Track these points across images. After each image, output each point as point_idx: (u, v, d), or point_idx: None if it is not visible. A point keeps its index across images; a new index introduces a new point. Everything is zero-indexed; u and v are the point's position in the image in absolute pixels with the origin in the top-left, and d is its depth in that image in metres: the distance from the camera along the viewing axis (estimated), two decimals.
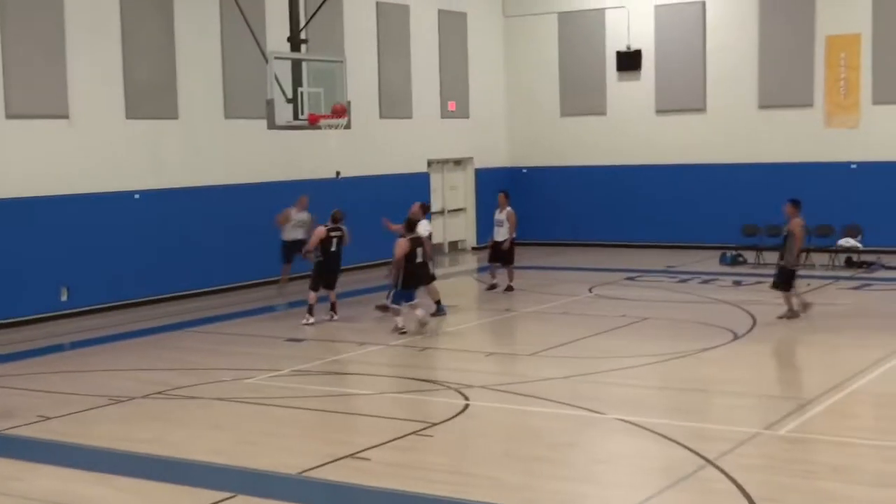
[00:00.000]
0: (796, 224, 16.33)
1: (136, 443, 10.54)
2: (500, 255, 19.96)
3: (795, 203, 16.55)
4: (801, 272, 17.02)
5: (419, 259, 16.32)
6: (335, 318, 17.34)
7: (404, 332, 15.94)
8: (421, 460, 9.97)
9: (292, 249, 19.19)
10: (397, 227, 17.27)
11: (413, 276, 16.23)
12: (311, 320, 17.00)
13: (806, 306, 16.64)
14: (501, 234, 19.84)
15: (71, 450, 10.41)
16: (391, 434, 10.66)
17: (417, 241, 16.42)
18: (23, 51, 17.69)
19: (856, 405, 11.76)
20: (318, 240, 17.17)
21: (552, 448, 10.22)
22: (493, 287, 20.07)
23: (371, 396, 12.75)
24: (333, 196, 21.14)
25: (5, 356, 15.32)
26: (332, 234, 17.21)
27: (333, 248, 17.24)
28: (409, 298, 16.22)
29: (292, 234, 19.36)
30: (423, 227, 17.21)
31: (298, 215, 19.43)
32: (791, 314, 16.45)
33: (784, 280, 16.44)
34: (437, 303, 17.18)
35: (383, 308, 17.27)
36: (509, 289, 19.87)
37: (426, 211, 17.86)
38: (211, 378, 13.48)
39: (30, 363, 14.80)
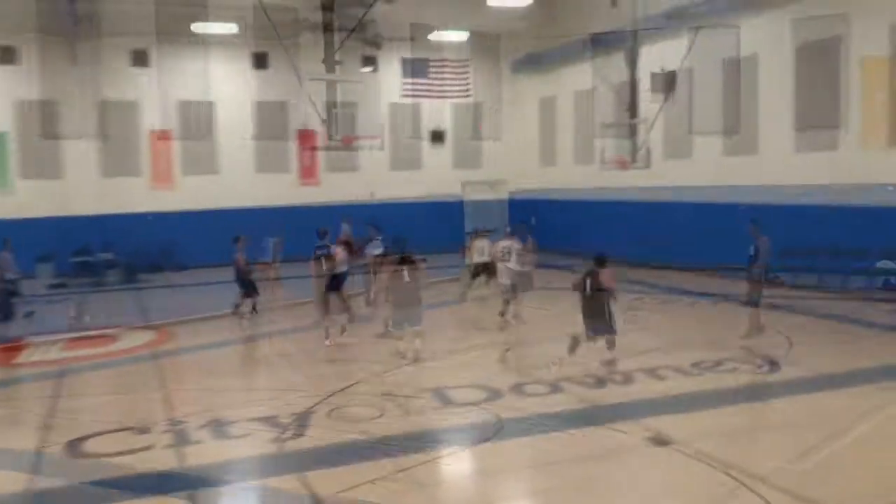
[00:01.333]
0: (763, 241, 16.78)
1: (172, 464, 10.57)
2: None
3: (755, 222, 17.12)
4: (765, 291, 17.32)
5: (407, 279, 15.80)
6: (329, 343, 16.91)
7: (405, 358, 15.73)
8: (455, 481, 9.94)
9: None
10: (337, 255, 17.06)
11: (403, 296, 15.75)
12: (328, 342, 16.84)
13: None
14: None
15: (105, 470, 10.45)
16: (426, 455, 10.63)
17: (408, 261, 15.87)
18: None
19: (893, 431, 11.62)
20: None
21: (587, 470, 10.15)
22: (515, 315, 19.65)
23: (407, 417, 12.71)
24: (368, 218, 21.21)
25: (27, 376, 15.43)
26: (318, 251, 16.82)
27: (323, 267, 16.82)
28: (408, 321, 15.88)
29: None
30: (375, 247, 16.91)
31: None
32: (749, 333, 16.63)
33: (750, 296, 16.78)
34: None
35: (382, 335, 16.77)
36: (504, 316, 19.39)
37: (378, 232, 17.61)
38: (249, 398, 13.50)
39: (62, 382, 14.86)
